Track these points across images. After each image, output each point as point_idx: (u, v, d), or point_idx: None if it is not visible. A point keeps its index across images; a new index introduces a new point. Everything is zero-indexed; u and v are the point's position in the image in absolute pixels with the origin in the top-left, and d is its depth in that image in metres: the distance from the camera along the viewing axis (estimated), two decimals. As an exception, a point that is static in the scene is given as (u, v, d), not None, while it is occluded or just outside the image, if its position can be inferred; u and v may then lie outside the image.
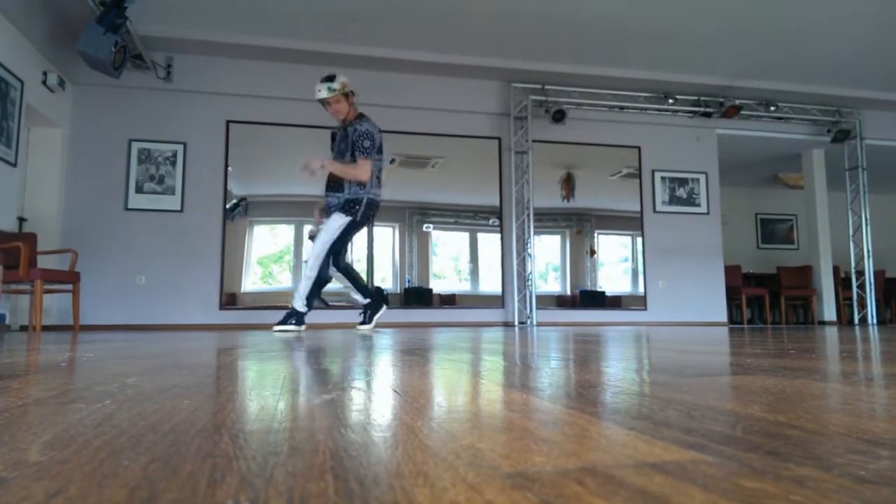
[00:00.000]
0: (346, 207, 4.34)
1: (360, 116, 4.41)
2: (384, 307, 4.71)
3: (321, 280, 4.39)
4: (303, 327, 4.40)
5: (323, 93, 4.30)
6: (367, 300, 4.62)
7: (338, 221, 4.34)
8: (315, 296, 4.43)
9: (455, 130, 7.38)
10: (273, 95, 6.96)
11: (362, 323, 4.63)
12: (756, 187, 11.64)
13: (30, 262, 5.03)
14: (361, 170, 4.27)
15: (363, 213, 4.37)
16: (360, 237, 7.10)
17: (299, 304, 4.35)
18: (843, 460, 0.41)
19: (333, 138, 4.53)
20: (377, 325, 4.83)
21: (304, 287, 4.35)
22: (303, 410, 0.67)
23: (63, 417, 0.62)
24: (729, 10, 6.15)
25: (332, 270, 4.48)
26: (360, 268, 7.05)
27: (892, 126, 8.71)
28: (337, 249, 4.41)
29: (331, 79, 4.32)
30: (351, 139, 4.29)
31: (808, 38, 6.74)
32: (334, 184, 4.39)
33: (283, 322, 4.37)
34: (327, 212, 4.46)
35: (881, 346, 2.02)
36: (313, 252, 4.35)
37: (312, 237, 7.02)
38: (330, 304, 6.32)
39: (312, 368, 1.26)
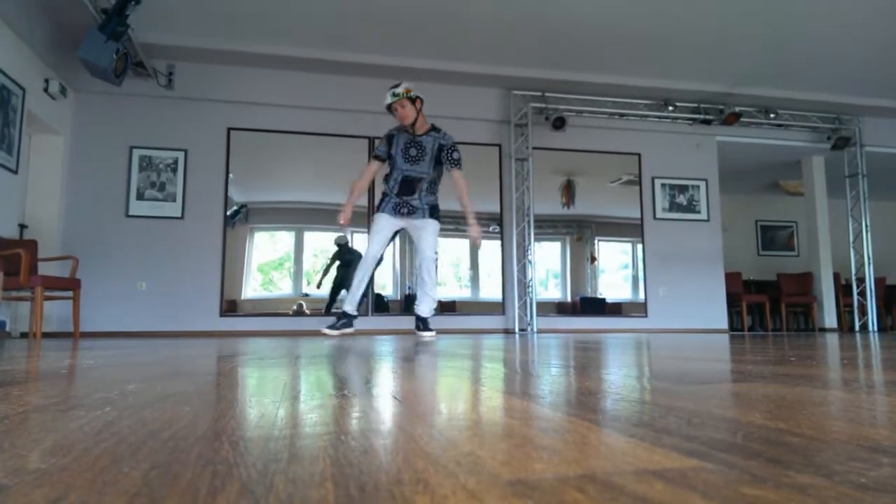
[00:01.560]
0: (436, 214, 4.59)
1: (436, 128, 4.60)
2: (347, 329, 4.64)
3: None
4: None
5: (388, 98, 4.43)
6: (357, 306, 4.58)
7: (436, 229, 4.57)
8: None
9: (455, 137, 7.36)
10: (274, 103, 6.98)
11: (331, 327, 4.55)
12: (756, 194, 11.65)
13: (30, 268, 5.03)
14: (464, 182, 4.56)
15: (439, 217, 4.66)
16: (360, 244, 7.11)
17: (429, 312, 4.60)
18: (845, 468, 0.41)
19: (390, 141, 4.60)
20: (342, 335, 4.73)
21: (432, 297, 4.57)
22: (303, 417, 0.67)
23: (63, 424, 0.61)
24: (728, 17, 6.17)
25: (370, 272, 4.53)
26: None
27: (892, 133, 8.73)
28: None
29: (396, 85, 4.47)
30: (437, 151, 4.51)
31: (808, 46, 6.76)
32: (420, 190, 4.53)
33: (426, 329, 4.60)
34: (403, 213, 4.53)
35: (882, 354, 2.02)
36: (431, 264, 4.53)
37: (340, 244, 7.05)
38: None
39: (313, 375, 1.26)
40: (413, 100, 4.42)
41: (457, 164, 4.51)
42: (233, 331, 6.57)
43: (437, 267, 4.62)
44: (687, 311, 7.85)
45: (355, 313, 4.53)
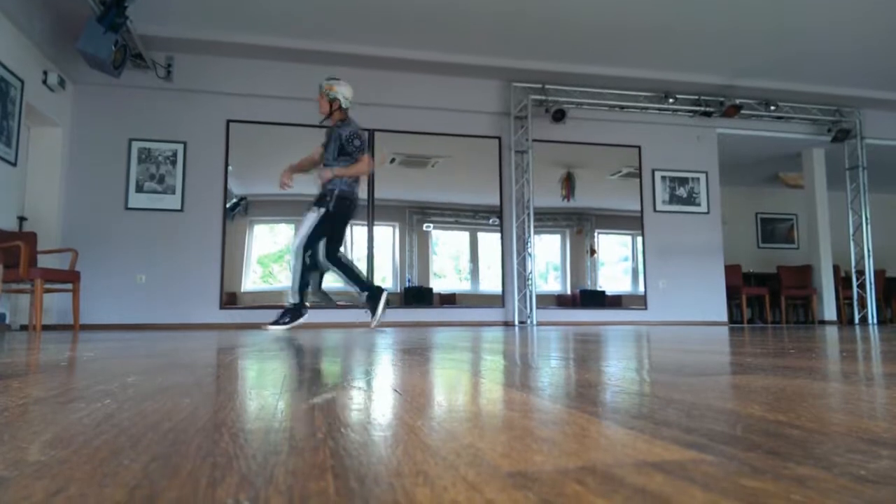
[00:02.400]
0: (318, 200, 4.67)
1: (344, 121, 4.76)
2: (383, 299, 4.83)
3: (305, 273, 4.66)
4: (300, 321, 4.67)
5: (346, 103, 4.76)
6: (366, 292, 4.78)
7: (311, 215, 4.65)
8: (302, 288, 4.68)
9: (455, 130, 7.38)
10: (273, 95, 6.96)
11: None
12: (756, 187, 11.64)
13: (30, 261, 5.02)
14: (363, 164, 4.67)
15: (335, 205, 4.62)
16: (360, 236, 7.10)
17: (290, 299, 4.67)
18: (844, 460, 0.41)
19: (326, 137, 4.85)
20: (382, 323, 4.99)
21: (292, 280, 4.67)
22: (303, 409, 0.67)
23: (63, 417, 0.62)
24: (729, 9, 6.14)
25: (327, 264, 4.67)
26: (361, 267, 7.05)
27: (892, 125, 8.71)
28: (314, 242, 4.62)
29: (328, 79, 4.80)
30: (340, 142, 4.65)
31: (809, 38, 6.74)
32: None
33: (277, 320, 4.63)
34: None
35: (881, 346, 2.02)
36: (291, 248, 4.71)
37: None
38: (336, 302, 6.36)
39: (313, 367, 1.26)
40: (331, 100, 4.72)
41: (358, 150, 4.66)
42: (232, 323, 6.57)
43: (296, 257, 4.61)
44: (686, 304, 7.86)
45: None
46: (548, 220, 7.69)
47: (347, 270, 4.74)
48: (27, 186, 6.06)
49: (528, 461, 0.41)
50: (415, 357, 1.55)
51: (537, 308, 7.28)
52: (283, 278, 6.98)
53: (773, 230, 11.96)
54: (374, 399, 0.76)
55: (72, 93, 6.45)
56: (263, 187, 6.95)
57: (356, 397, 0.77)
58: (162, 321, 6.42)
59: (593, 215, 7.85)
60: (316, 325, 6.69)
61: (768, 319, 9.30)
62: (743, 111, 7.98)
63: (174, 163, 6.68)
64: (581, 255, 7.81)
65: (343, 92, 4.76)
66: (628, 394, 0.78)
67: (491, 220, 7.47)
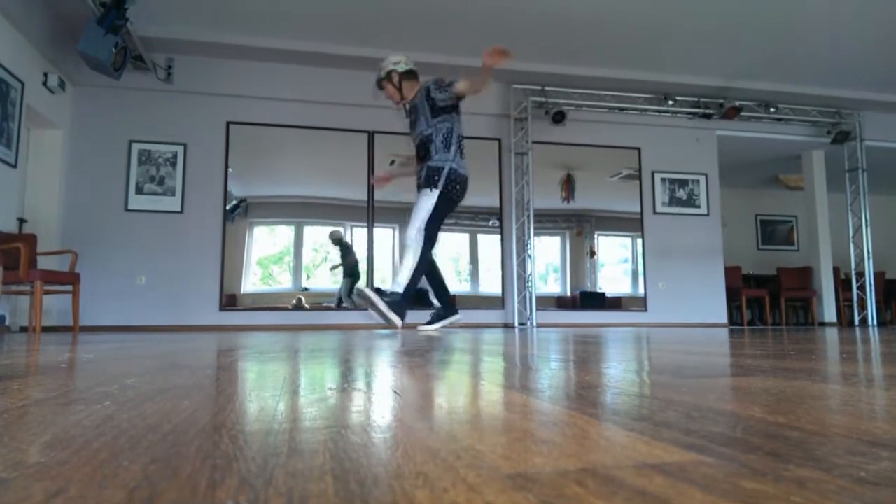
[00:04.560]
0: (428, 179, 4.09)
1: (423, 83, 4.33)
2: (457, 315, 4.52)
3: (423, 265, 4.08)
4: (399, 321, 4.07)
5: (400, 66, 4.22)
6: (441, 306, 4.46)
7: (426, 199, 4.08)
8: (416, 284, 4.07)
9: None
10: (273, 97, 6.96)
11: (428, 323, 4.50)
12: (756, 188, 11.65)
13: (30, 262, 5.02)
14: (469, 82, 4.05)
15: (445, 185, 4.09)
16: (359, 238, 7.10)
17: (399, 289, 4.06)
18: (844, 461, 0.41)
19: (411, 115, 4.30)
20: (443, 328, 4.58)
21: (405, 275, 4.00)
22: (303, 411, 0.67)
23: (63, 418, 0.61)
24: (728, 11, 6.15)
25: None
26: (361, 268, 7.05)
27: (892, 127, 8.72)
28: (435, 230, 4.11)
29: (379, 71, 4.22)
30: (430, 101, 4.14)
31: (808, 40, 6.75)
32: (431, 152, 4.17)
33: (388, 311, 4.03)
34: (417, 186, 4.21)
35: (881, 348, 2.02)
36: (409, 236, 4.04)
37: (337, 240, 7.01)
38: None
39: (312, 370, 1.26)
40: (388, 79, 4.23)
41: (452, 85, 4.10)
42: (232, 325, 6.57)
43: (418, 247, 4.04)
44: (686, 306, 7.86)
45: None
46: (547, 221, 7.69)
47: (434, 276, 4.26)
48: (27, 188, 6.06)
49: (528, 463, 0.41)
50: (414, 359, 1.55)
51: (537, 310, 7.28)
52: (284, 280, 6.99)
53: (773, 232, 11.96)
54: (374, 401, 0.76)
55: (72, 94, 6.46)
56: (263, 189, 6.95)
57: (356, 399, 0.77)
58: (162, 323, 6.42)
59: (593, 217, 7.85)
60: (318, 327, 6.69)
61: (768, 321, 9.30)
62: (742, 113, 7.99)
63: (174, 164, 6.68)
64: (581, 257, 7.82)
65: (392, 60, 4.20)
66: (628, 395, 0.78)
67: (491, 222, 7.47)
